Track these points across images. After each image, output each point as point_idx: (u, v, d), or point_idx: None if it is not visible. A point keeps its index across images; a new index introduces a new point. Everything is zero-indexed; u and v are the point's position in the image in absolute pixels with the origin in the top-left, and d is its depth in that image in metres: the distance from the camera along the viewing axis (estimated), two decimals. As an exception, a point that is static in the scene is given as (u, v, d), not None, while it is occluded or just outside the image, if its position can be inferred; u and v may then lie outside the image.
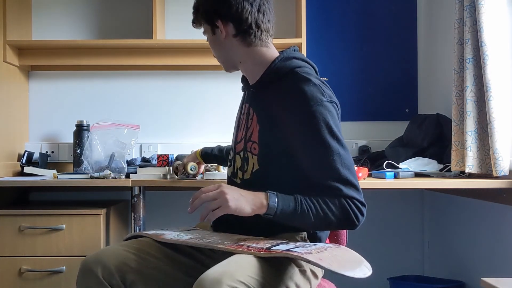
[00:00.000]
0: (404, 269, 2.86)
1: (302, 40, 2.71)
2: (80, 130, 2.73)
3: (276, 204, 1.47)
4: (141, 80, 2.98)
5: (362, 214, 1.51)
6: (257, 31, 1.63)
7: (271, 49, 1.68)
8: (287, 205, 1.48)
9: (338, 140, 1.52)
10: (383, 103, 2.98)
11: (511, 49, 2.18)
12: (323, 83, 1.59)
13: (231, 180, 1.74)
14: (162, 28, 2.86)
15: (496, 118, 2.08)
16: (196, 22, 1.71)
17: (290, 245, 1.44)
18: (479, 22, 2.11)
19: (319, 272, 1.61)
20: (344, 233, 1.89)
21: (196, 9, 1.69)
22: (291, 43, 2.76)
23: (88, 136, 2.66)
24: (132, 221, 2.38)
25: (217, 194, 1.47)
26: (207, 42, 1.73)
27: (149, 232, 1.68)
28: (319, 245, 1.50)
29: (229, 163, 1.77)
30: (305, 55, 2.70)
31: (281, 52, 1.67)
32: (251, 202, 1.47)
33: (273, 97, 1.61)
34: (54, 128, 2.96)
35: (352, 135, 2.97)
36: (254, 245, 1.46)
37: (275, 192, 1.49)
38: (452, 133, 2.29)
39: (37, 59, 2.85)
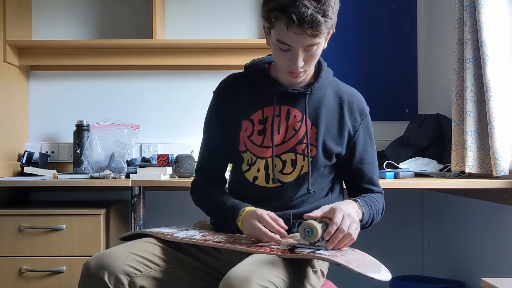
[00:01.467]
0: (404, 269, 2.86)
1: (302, 40, 2.71)
2: (80, 130, 2.73)
3: (365, 210, 1.62)
4: (141, 80, 2.98)
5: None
6: None
7: None
8: (367, 208, 1.63)
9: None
10: (383, 103, 2.98)
11: (511, 49, 2.18)
12: None
13: (252, 185, 1.68)
14: (162, 28, 2.86)
15: (496, 118, 2.08)
16: (321, 30, 1.51)
17: (309, 248, 1.45)
18: (479, 22, 2.11)
19: (325, 272, 1.63)
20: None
21: (328, 17, 1.50)
22: (291, 43, 2.76)
23: (88, 136, 2.67)
24: (132, 221, 2.38)
25: (347, 227, 1.46)
26: (207, 43, 1.70)
27: (153, 230, 1.64)
28: None
29: (246, 167, 1.68)
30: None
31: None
32: (356, 214, 1.55)
33: (329, 102, 1.70)
34: (54, 128, 2.96)
35: (352, 135, 2.96)
36: (273, 246, 1.48)
37: (358, 200, 1.62)
38: (452, 133, 2.29)
39: (37, 59, 2.85)
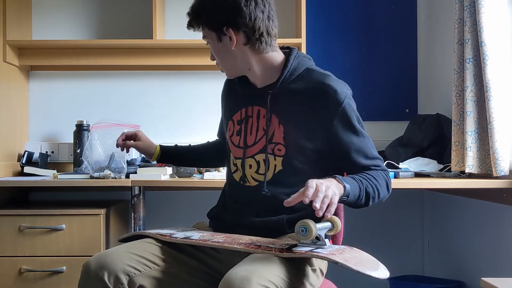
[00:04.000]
0: (404, 269, 2.86)
1: (302, 40, 2.71)
2: (80, 130, 2.73)
3: (348, 185, 1.50)
4: (141, 80, 2.98)
5: (390, 182, 1.66)
6: (268, 38, 1.62)
7: (279, 52, 1.69)
8: (350, 181, 1.52)
9: (363, 127, 1.65)
10: (383, 103, 2.98)
11: (511, 49, 2.18)
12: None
13: (238, 184, 1.71)
14: (162, 28, 2.86)
15: (496, 118, 2.08)
16: (194, 26, 1.65)
17: (309, 247, 1.45)
18: (479, 22, 2.11)
19: (324, 271, 1.63)
20: (340, 233, 1.89)
21: (197, 14, 1.63)
22: (291, 43, 2.75)
23: (88, 136, 2.67)
24: (132, 221, 2.38)
25: (324, 189, 1.41)
26: (207, 45, 1.69)
27: (152, 231, 1.65)
28: (335, 246, 1.51)
29: (234, 168, 1.72)
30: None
31: (289, 52, 1.68)
32: (335, 187, 1.46)
33: (297, 97, 1.62)
34: (54, 128, 2.96)
35: (352, 135, 2.97)
36: (271, 245, 1.48)
37: (339, 176, 1.52)
38: (452, 133, 2.29)
39: (37, 59, 2.85)
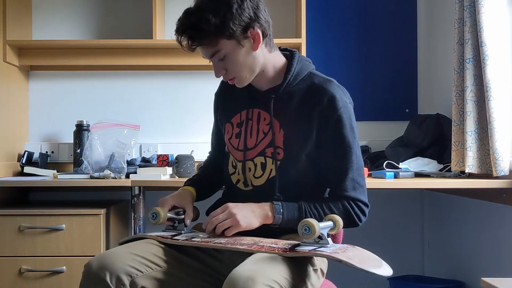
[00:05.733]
0: (404, 269, 2.85)
1: (302, 40, 2.71)
2: (80, 130, 2.73)
3: (281, 215, 1.56)
4: (141, 80, 2.98)
5: (365, 215, 1.63)
6: (271, 33, 1.61)
7: (279, 52, 1.67)
8: (291, 214, 1.56)
9: (356, 141, 1.61)
10: (383, 103, 2.98)
11: (511, 49, 2.18)
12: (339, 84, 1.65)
13: (235, 188, 1.71)
14: (162, 28, 2.86)
15: (496, 118, 2.08)
16: (206, 43, 1.54)
17: (312, 246, 1.45)
18: (479, 22, 2.11)
19: (325, 271, 1.63)
20: (340, 233, 1.89)
21: (215, 27, 1.50)
22: (291, 43, 2.76)
23: (88, 136, 2.67)
24: (132, 221, 2.38)
25: (227, 215, 1.55)
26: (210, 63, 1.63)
27: (153, 234, 1.65)
28: (338, 245, 1.51)
29: (232, 170, 1.72)
30: (305, 55, 2.72)
31: (291, 56, 1.66)
32: (259, 215, 1.56)
33: (299, 101, 1.61)
34: (54, 128, 2.96)
35: (352, 135, 2.96)
36: (274, 245, 1.48)
37: (279, 203, 1.56)
38: (452, 133, 2.29)
39: (37, 59, 2.85)
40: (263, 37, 1.57)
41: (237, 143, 1.70)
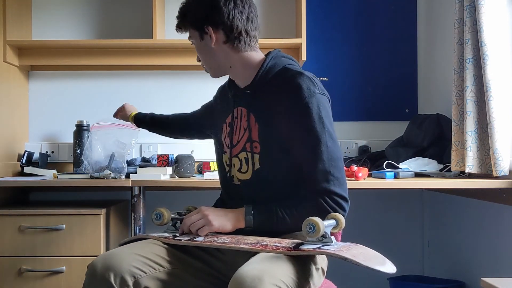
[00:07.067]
0: (404, 269, 2.85)
1: (302, 40, 2.71)
2: (80, 130, 2.74)
3: (251, 217, 1.58)
4: (141, 80, 2.98)
5: (342, 209, 1.56)
6: (246, 38, 1.67)
7: (258, 52, 1.73)
8: (263, 216, 1.59)
9: (328, 131, 1.57)
10: (383, 103, 2.98)
11: (511, 49, 2.18)
12: (314, 77, 1.64)
13: (226, 183, 1.76)
14: (162, 28, 2.86)
15: (496, 118, 2.08)
16: (181, 27, 1.73)
17: (316, 244, 1.45)
18: (479, 22, 2.11)
19: (325, 270, 1.64)
20: (339, 234, 1.89)
21: (183, 15, 1.71)
22: (291, 43, 2.76)
23: (88, 136, 2.67)
24: (132, 221, 2.38)
25: (200, 216, 1.60)
26: (192, 44, 1.76)
27: (155, 235, 1.65)
28: (341, 243, 1.51)
29: (227, 167, 1.76)
30: (305, 55, 2.72)
31: (268, 53, 1.72)
32: (231, 218, 1.60)
33: (270, 94, 1.65)
34: (54, 128, 2.96)
35: (352, 135, 2.97)
36: (278, 244, 1.49)
37: (251, 206, 1.59)
38: (452, 133, 2.29)
39: (37, 59, 2.85)
40: (227, 40, 1.66)
41: (228, 142, 1.75)
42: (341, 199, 1.55)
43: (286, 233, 1.62)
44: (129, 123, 2.39)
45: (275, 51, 1.72)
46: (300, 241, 1.51)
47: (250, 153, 1.66)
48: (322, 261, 1.59)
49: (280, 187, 1.63)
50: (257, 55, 1.71)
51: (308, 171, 1.57)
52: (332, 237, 1.46)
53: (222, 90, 1.89)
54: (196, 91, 2.96)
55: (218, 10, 1.64)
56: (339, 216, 1.50)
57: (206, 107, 2.02)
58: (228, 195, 1.78)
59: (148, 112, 2.33)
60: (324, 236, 1.44)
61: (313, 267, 1.52)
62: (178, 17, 1.73)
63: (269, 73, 1.67)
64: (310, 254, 1.44)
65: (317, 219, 1.42)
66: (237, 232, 1.61)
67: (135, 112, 2.36)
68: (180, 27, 1.74)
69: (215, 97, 1.93)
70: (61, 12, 2.96)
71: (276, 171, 1.63)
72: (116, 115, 2.44)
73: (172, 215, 1.70)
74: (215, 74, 1.76)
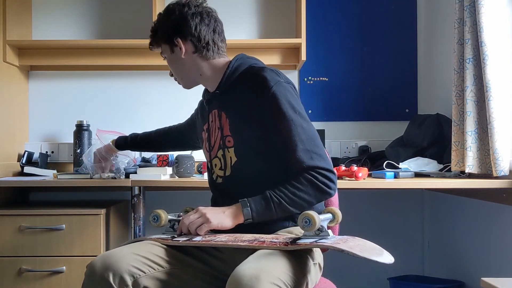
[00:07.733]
0: (404, 269, 2.86)
1: (302, 40, 2.71)
2: (80, 130, 2.74)
3: (249, 209, 1.58)
4: (141, 80, 2.98)
5: (331, 181, 1.61)
6: (214, 47, 1.77)
7: (225, 57, 1.81)
8: (260, 205, 1.58)
9: (300, 114, 1.63)
10: (383, 103, 2.99)
11: (511, 49, 2.18)
12: (278, 70, 1.72)
13: (213, 184, 1.81)
14: (162, 28, 2.86)
15: (496, 118, 2.08)
16: (153, 44, 1.81)
17: (313, 238, 1.46)
18: (479, 22, 2.11)
19: (322, 265, 1.65)
20: (336, 228, 1.89)
21: (155, 32, 1.80)
22: (291, 43, 2.76)
23: (88, 136, 2.67)
24: (132, 221, 2.38)
25: (198, 215, 1.61)
26: (164, 59, 1.84)
27: (153, 237, 1.66)
28: (338, 236, 1.53)
29: (211, 170, 1.81)
30: (305, 55, 2.72)
31: (235, 56, 1.79)
32: (229, 214, 1.60)
33: (238, 91, 1.72)
34: (54, 128, 2.96)
35: (352, 135, 2.97)
36: (275, 240, 1.49)
37: (245, 199, 1.60)
38: (452, 133, 2.29)
39: (37, 59, 2.85)
40: (196, 50, 1.75)
41: (208, 146, 1.81)
42: (328, 172, 1.60)
43: (287, 217, 1.64)
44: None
45: (240, 54, 1.80)
46: (297, 236, 1.52)
47: (225, 149, 1.72)
48: (318, 257, 1.60)
49: (262, 177, 1.65)
50: (225, 60, 1.80)
51: (290, 155, 1.61)
52: (329, 231, 1.47)
53: (200, 102, 1.97)
54: (195, 91, 2.94)
55: (186, 23, 1.74)
56: (336, 210, 1.53)
57: (191, 119, 2.12)
58: (218, 196, 1.80)
59: (134, 133, 2.32)
60: (320, 229, 1.46)
61: (311, 263, 1.53)
62: (150, 36, 1.81)
63: (235, 72, 1.75)
64: (307, 248, 1.45)
65: (312, 212, 1.43)
66: (235, 229, 1.62)
67: (114, 138, 2.34)
68: (152, 44, 1.82)
69: (196, 110, 2.02)
70: (61, 12, 2.96)
71: (253, 162, 1.67)
72: (98, 160, 2.36)
73: (170, 217, 1.70)
74: (187, 85, 1.85)
